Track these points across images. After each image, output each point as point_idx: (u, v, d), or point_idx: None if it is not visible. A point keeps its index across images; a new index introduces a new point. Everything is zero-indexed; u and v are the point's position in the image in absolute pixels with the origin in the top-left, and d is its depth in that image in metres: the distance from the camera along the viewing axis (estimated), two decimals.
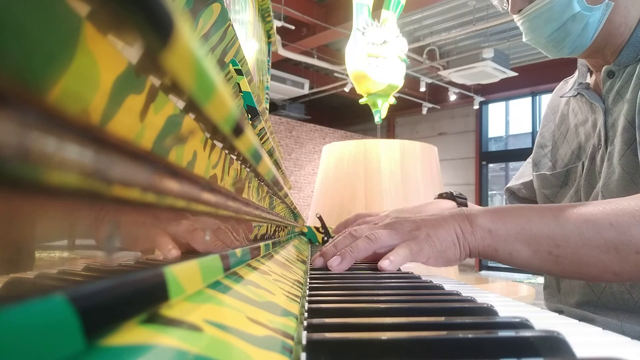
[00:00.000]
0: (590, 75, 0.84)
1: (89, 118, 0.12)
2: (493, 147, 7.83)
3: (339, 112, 8.85)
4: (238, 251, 0.30)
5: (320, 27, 5.29)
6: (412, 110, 8.01)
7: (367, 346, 0.23)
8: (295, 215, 1.28)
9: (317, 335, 0.23)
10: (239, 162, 0.38)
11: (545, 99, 6.74)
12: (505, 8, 0.80)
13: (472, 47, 6.02)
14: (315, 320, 0.28)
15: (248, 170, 0.42)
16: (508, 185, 1.02)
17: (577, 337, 0.27)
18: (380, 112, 3.17)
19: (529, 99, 7.11)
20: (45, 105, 0.10)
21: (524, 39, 0.80)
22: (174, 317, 0.15)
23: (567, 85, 0.92)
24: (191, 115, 0.22)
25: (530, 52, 6.20)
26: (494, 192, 7.76)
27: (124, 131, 0.15)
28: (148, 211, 0.19)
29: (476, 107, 7.27)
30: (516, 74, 5.77)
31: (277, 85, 6.22)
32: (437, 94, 7.47)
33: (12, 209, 0.10)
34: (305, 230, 1.50)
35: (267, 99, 1.50)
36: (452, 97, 7.06)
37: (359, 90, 3.15)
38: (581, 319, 0.55)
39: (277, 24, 4.61)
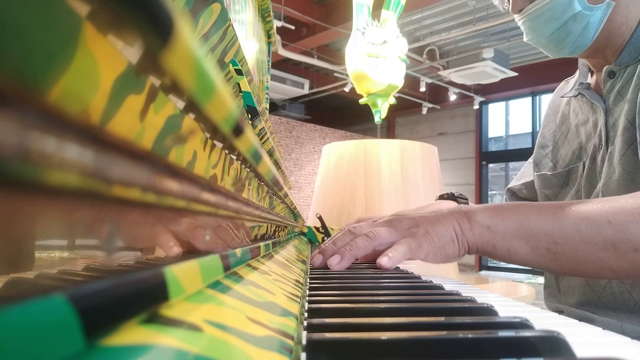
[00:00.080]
0: (591, 75, 0.84)
1: (89, 118, 0.12)
2: (493, 147, 7.83)
3: (339, 112, 8.85)
4: (238, 251, 0.30)
5: (320, 27, 5.29)
6: (412, 110, 8.01)
7: (367, 346, 0.23)
8: (295, 215, 1.28)
9: (317, 335, 0.23)
10: (239, 162, 0.38)
11: (545, 99, 6.75)
12: (506, 8, 0.80)
13: (472, 47, 6.02)
14: (315, 320, 0.28)
15: (248, 170, 0.42)
16: (509, 186, 1.02)
17: (577, 337, 0.27)
18: (380, 112, 3.17)
19: (529, 99, 7.11)
20: (45, 105, 0.10)
21: (524, 39, 0.80)
22: (174, 317, 0.15)
23: (568, 85, 0.92)
24: (191, 115, 0.22)
25: (530, 52, 6.20)
26: (494, 192, 7.76)
27: (124, 131, 0.15)
28: (148, 211, 0.19)
29: (476, 107, 7.27)
30: (516, 74, 5.77)
31: (277, 85, 6.22)
32: (437, 94, 7.47)
33: (12, 209, 0.10)
34: (305, 230, 1.50)
35: (267, 99, 1.50)
36: (452, 97, 7.06)
37: (359, 90, 3.15)
38: (581, 319, 0.55)
39: (277, 24, 4.61)
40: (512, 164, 7.53)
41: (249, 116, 0.51)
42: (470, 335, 0.24)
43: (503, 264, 6.64)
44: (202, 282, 0.20)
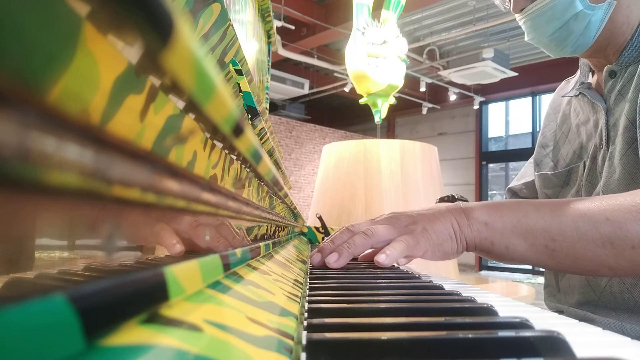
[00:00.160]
0: (592, 75, 0.84)
1: (89, 118, 0.12)
2: (493, 147, 7.83)
3: (339, 112, 8.85)
4: (238, 251, 0.30)
5: (320, 27, 5.29)
6: (412, 110, 8.01)
7: (367, 346, 0.23)
8: (295, 215, 1.28)
9: (317, 335, 0.23)
10: (239, 162, 0.38)
11: (545, 99, 6.75)
12: (508, 7, 0.80)
13: (472, 47, 6.02)
14: (315, 320, 0.28)
15: (248, 170, 0.42)
16: (510, 186, 1.02)
17: (577, 337, 0.27)
18: (380, 112, 3.17)
19: (529, 99, 7.11)
20: (45, 105, 0.10)
21: (526, 38, 0.80)
22: (174, 317, 0.15)
23: (569, 85, 0.92)
24: (191, 115, 0.22)
25: (530, 52, 6.20)
26: (494, 192, 7.76)
27: (124, 131, 0.15)
28: (148, 211, 0.19)
29: (476, 107, 7.27)
30: (516, 74, 5.77)
31: (277, 85, 6.22)
32: (437, 94, 7.47)
33: (12, 209, 0.10)
34: (305, 230, 1.50)
35: (267, 99, 1.50)
36: (452, 97, 7.06)
37: (359, 90, 3.15)
38: (581, 319, 0.55)
39: (277, 24, 4.61)
40: (512, 164, 7.53)
41: (249, 116, 0.51)
42: (470, 335, 0.24)
43: (503, 264, 6.65)
44: (202, 282, 0.20)
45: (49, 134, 0.10)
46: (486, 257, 0.64)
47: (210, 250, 0.27)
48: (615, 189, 0.70)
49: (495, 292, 0.53)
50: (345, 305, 0.34)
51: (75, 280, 0.15)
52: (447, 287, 0.47)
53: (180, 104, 0.21)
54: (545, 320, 0.36)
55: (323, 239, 1.42)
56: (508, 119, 7.71)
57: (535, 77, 6.59)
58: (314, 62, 5.88)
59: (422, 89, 6.55)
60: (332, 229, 1.42)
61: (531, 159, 0.96)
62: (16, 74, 0.09)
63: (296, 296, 0.34)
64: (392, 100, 3.19)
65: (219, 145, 0.29)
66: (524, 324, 0.28)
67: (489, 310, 0.33)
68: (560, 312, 0.80)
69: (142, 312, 0.14)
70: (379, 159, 2.35)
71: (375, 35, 2.97)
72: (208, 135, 0.26)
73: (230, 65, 0.49)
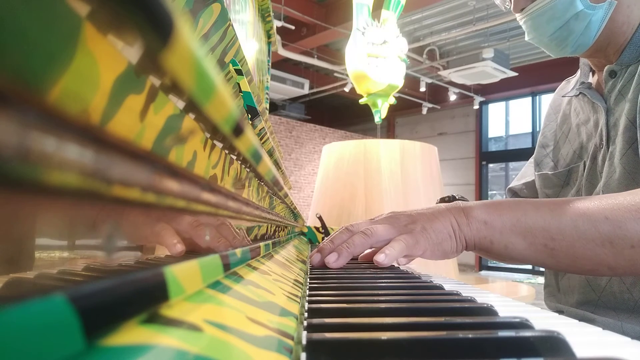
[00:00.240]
0: (593, 75, 0.84)
1: (89, 118, 0.12)
2: (493, 147, 7.83)
3: (339, 112, 8.85)
4: (238, 251, 0.30)
5: (320, 27, 5.29)
6: (412, 110, 8.01)
7: (367, 346, 0.23)
8: (295, 215, 1.28)
9: (317, 335, 0.23)
10: (239, 162, 0.38)
11: (545, 99, 6.75)
12: (508, 7, 0.80)
13: (472, 47, 6.02)
14: (315, 320, 0.28)
15: (248, 170, 0.42)
16: (510, 186, 1.02)
17: (577, 337, 0.27)
18: (380, 112, 3.17)
19: (529, 99, 7.11)
20: (45, 105, 0.10)
21: (526, 38, 0.80)
22: (174, 317, 0.15)
23: (569, 84, 0.92)
24: (191, 115, 0.22)
25: (530, 52, 6.20)
26: (494, 192, 7.75)
27: (124, 131, 0.15)
28: (148, 211, 0.19)
29: (476, 107, 7.27)
30: (516, 74, 5.77)
31: (277, 85, 6.22)
32: (437, 94, 7.47)
33: (12, 209, 0.10)
34: (305, 230, 1.50)
35: (267, 99, 1.50)
36: (452, 97, 7.06)
37: (359, 90, 3.15)
38: (581, 319, 0.55)
39: (277, 24, 4.61)
40: (512, 164, 7.53)
41: (249, 116, 0.51)
42: (470, 335, 0.24)
43: (503, 264, 6.65)
44: (202, 282, 0.20)
45: (49, 134, 0.10)
46: (485, 257, 0.64)
47: (210, 250, 0.27)
48: (615, 188, 0.70)
49: (495, 292, 0.53)
50: (345, 305, 0.34)
51: (75, 280, 0.15)
52: (447, 287, 0.47)
53: (180, 104, 0.21)
54: (545, 320, 0.36)
55: (323, 239, 1.42)
56: (508, 119, 7.71)
57: (535, 77, 6.59)
58: (314, 62, 5.88)
59: (422, 89, 6.55)
60: (332, 229, 1.42)
61: (531, 159, 0.96)
62: (16, 74, 0.09)
63: (296, 296, 0.34)
64: (392, 100, 3.19)
65: (219, 145, 0.29)
66: (524, 324, 0.28)
67: (489, 310, 0.33)
68: (560, 312, 0.80)
69: (142, 312, 0.14)
70: (379, 159, 2.35)
71: (375, 35, 2.97)
72: (208, 135, 0.26)
73: (230, 65, 0.49)
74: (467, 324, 0.29)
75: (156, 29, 0.12)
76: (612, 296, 0.72)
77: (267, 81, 1.51)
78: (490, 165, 7.73)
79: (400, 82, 3.10)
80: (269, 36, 1.49)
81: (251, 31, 0.98)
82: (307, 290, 0.42)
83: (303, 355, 0.22)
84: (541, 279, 2.29)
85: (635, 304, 0.69)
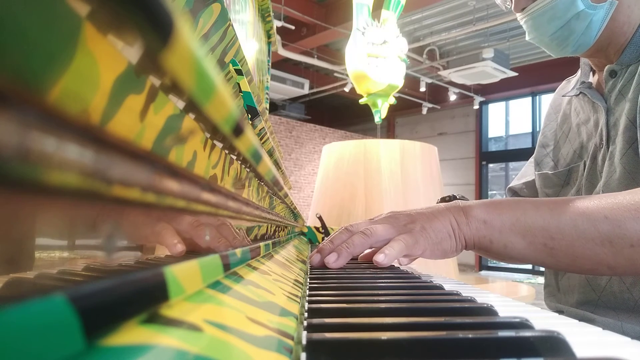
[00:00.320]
0: (593, 75, 0.84)
1: (89, 118, 0.12)
2: (493, 147, 7.82)
3: (339, 112, 8.85)
4: (238, 251, 0.30)
5: (320, 27, 5.29)
6: (412, 110, 8.01)
7: (367, 346, 0.23)
8: (295, 215, 1.28)
9: (317, 335, 0.23)
10: (239, 162, 0.38)
11: (545, 99, 6.75)
12: (509, 7, 0.80)
13: (472, 47, 6.02)
14: (315, 320, 0.28)
15: (248, 170, 0.42)
16: (510, 185, 1.02)
17: (577, 337, 0.27)
18: (380, 112, 3.17)
19: (529, 99, 7.11)
20: (45, 105, 0.10)
21: (527, 38, 0.80)
22: (174, 317, 0.15)
23: (570, 84, 0.92)
24: (191, 115, 0.22)
25: (530, 52, 6.20)
26: (494, 192, 7.75)
27: (124, 131, 0.15)
28: (148, 211, 0.19)
29: (476, 107, 7.27)
30: (516, 74, 5.77)
31: (277, 85, 6.23)
32: (437, 94, 7.47)
33: (12, 209, 0.10)
34: (305, 230, 1.50)
35: (267, 99, 1.50)
36: (452, 97, 7.06)
37: (359, 90, 3.15)
38: (581, 319, 0.55)
39: (277, 24, 4.61)
40: (512, 164, 7.53)
41: (249, 116, 0.51)
42: (470, 335, 0.24)
43: (503, 264, 6.65)
44: (202, 282, 0.20)
45: (49, 134, 0.10)
46: (485, 256, 0.64)
47: (210, 250, 0.27)
48: (615, 188, 0.70)
49: (495, 292, 0.53)
50: (345, 305, 0.34)
51: (75, 280, 0.15)
52: (447, 287, 0.47)
53: (180, 104, 0.21)
54: (545, 320, 0.36)
55: (323, 239, 1.42)
56: (508, 119, 7.71)
57: (535, 77, 6.59)
58: (314, 62, 5.88)
59: (422, 89, 6.55)
60: (332, 229, 1.42)
61: (531, 159, 0.96)
62: (16, 74, 0.09)
63: (296, 296, 0.34)
64: (392, 100, 3.19)
65: (219, 145, 0.29)
66: (524, 324, 0.28)
67: (489, 310, 0.33)
68: (560, 312, 0.80)
69: (142, 312, 0.14)
70: (379, 159, 2.35)
71: (375, 35, 2.97)
72: (208, 135, 0.26)
73: (230, 65, 0.49)
74: (467, 324, 0.29)
75: (156, 29, 0.12)
76: (612, 296, 0.72)
77: (267, 81, 1.51)
78: (490, 165, 7.73)
79: (400, 82, 3.10)
80: (269, 36, 1.49)
81: (251, 31, 0.98)
82: (307, 290, 0.42)
83: (303, 355, 0.22)
84: (541, 279, 2.29)
85: (635, 303, 0.69)
